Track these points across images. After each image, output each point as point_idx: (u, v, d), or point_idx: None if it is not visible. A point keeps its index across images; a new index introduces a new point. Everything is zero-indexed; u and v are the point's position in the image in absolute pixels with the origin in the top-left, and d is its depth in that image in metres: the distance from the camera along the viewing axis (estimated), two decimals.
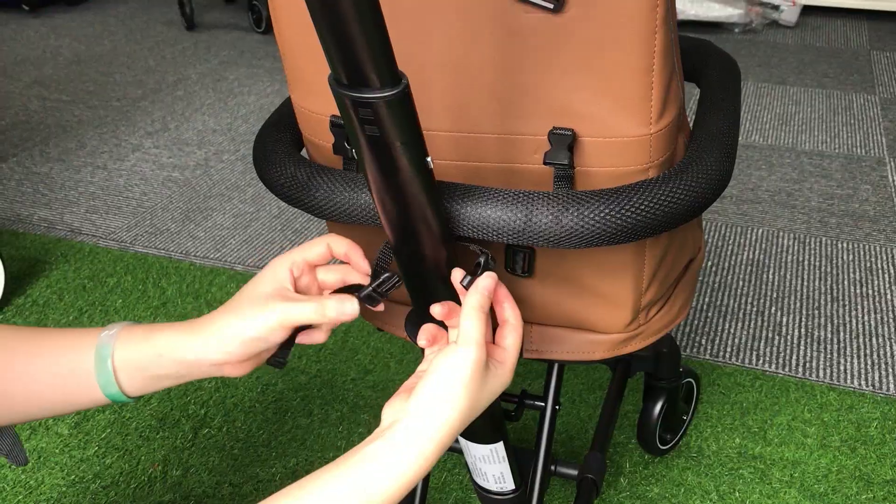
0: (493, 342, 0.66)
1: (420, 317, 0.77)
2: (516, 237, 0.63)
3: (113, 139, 2.50)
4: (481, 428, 0.88)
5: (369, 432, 1.39)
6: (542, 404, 0.96)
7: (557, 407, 0.96)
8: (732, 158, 0.68)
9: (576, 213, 0.62)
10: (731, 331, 1.60)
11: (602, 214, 0.61)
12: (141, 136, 2.51)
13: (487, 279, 0.64)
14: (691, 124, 0.76)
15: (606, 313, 0.79)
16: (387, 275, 0.68)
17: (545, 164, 0.66)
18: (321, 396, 1.48)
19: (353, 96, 0.51)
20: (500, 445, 0.90)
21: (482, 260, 0.65)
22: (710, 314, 1.64)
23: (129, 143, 2.47)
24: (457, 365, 0.60)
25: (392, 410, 0.62)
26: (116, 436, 1.41)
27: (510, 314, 0.66)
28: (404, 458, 0.58)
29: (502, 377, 0.64)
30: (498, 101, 0.65)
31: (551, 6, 0.58)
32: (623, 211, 0.61)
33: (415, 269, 0.66)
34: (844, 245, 1.86)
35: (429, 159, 0.57)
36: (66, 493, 1.31)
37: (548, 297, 0.79)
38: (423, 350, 0.70)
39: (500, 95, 0.65)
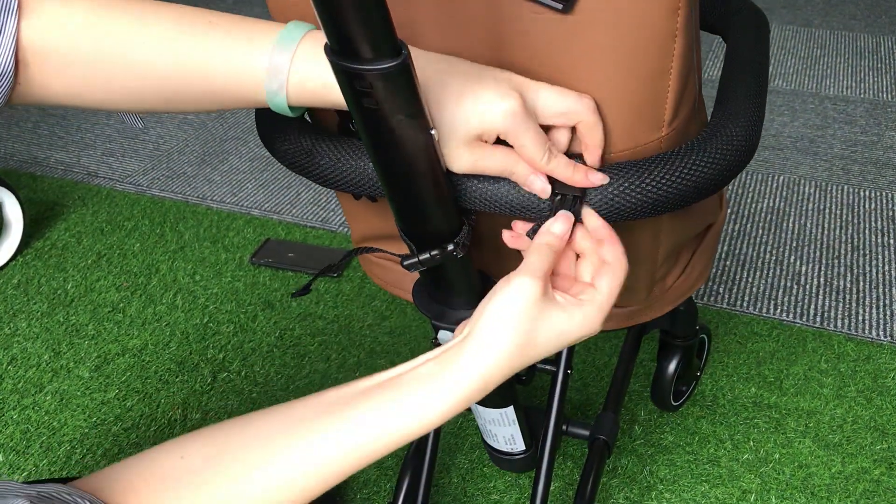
0: (588, 281, 0.61)
1: (428, 290, 0.76)
2: (528, 212, 0.61)
3: None
4: (491, 393, 0.88)
5: None
6: (553, 369, 0.94)
7: (569, 372, 0.94)
8: (759, 128, 0.64)
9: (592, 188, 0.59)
10: (750, 280, 1.59)
11: (620, 189, 0.58)
12: None
13: (561, 222, 0.59)
14: (719, 72, 0.73)
15: (621, 294, 0.77)
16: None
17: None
18: (338, 342, 1.49)
19: (350, 67, 0.48)
20: (510, 410, 0.90)
21: (560, 197, 0.60)
22: (728, 263, 1.63)
23: None
24: (510, 296, 0.56)
25: (459, 331, 0.60)
26: (136, 379, 1.43)
27: (610, 254, 0.60)
28: (448, 386, 0.57)
29: (578, 319, 0.58)
30: None
31: (560, 6, 0.54)
32: (642, 185, 0.58)
33: (422, 244, 0.64)
34: (867, 193, 1.83)
35: (433, 132, 0.55)
36: (88, 435, 1.33)
37: None
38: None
39: None
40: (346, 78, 0.49)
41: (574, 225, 0.60)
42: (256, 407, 1.35)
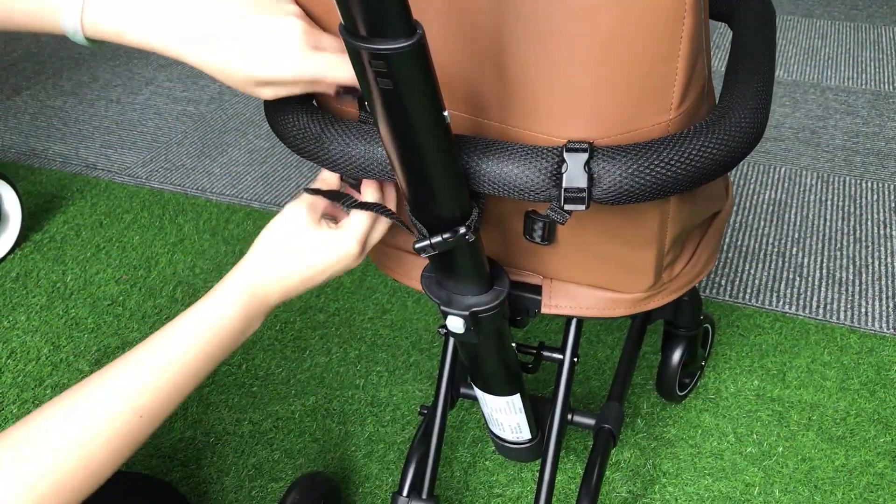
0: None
1: (436, 277, 0.76)
2: (537, 195, 0.60)
3: (126, 72, 2.47)
4: (499, 380, 0.87)
5: (387, 371, 1.40)
6: (560, 357, 0.94)
7: (575, 360, 0.94)
8: (767, 112, 0.64)
9: (604, 170, 0.59)
10: (752, 272, 1.58)
11: (629, 170, 0.58)
12: (154, 69, 2.48)
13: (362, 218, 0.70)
14: (722, 64, 0.72)
15: (629, 279, 0.77)
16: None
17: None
18: (339, 335, 1.48)
19: (365, 47, 0.48)
20: (516, 397, 0.90)
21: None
22: (730, 255, 1.62)
23: (142, 76, 2.44)
24: (279, 218, 0.69)
25: None
26: None
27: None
28: (223, 299, 0.68)
29: (335, 241, 0.69)
30: (505, 92, 0.61)
31: None
32: (651, 166, 0.57)
33: (433, 228, 0.64)
34: (869, 184, 1.83)
35: (446, 113, 0.54)
36: None
37: (567, 261, 0.77)
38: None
39: (507, 87, 0.60)
40: (359, 58, 0.49)
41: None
42: (257, 400, 1.36)
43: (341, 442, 1.30)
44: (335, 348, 1.46)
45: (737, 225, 1.71)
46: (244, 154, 2.04)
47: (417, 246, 0.64)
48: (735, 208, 1.76)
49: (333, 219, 0.72)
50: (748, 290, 1.54)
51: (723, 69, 2.24)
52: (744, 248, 1.64)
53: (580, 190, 0.58)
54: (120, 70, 2.48)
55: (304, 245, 0.68)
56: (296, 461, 1.27)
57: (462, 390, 1.08)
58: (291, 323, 1.51)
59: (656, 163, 0.58)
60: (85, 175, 1.97)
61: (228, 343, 0.68)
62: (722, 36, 2.47)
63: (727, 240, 1.66)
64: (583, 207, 0.59)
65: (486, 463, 1.25)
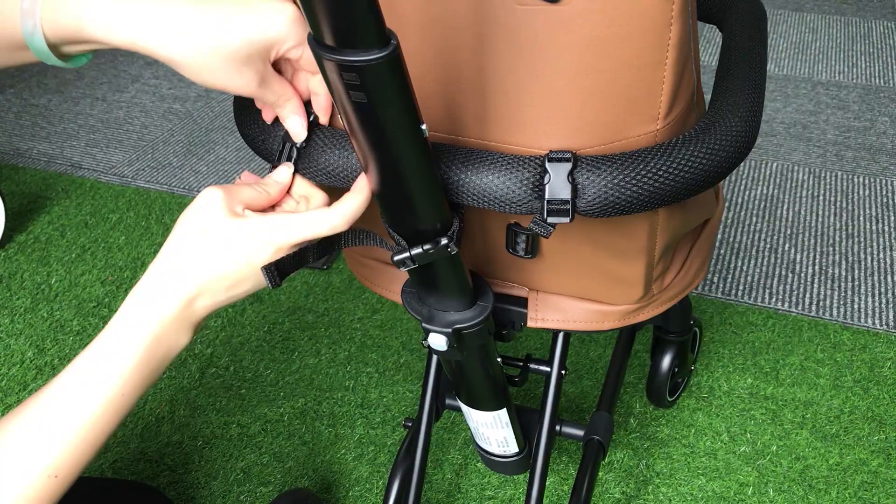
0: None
1: (417, 293, 0.73)
2: (519, 206, 0.58)
3: (111, 70, 2.44)
4: (485, 395, 0.85)
5: (377, 371, 1.38)
6: (548, 369, 0.90)
7: (563, 372, 0.90)
8: (758, 120, 0.62)
9: (588, 180, 0.57)
10: (744, 268, 1.57)
11: (615, 181, 0.56)
12: (140, 66, 2.45)
13: (282, 172, 0.63)
14: (712, 58, 0.70)
15: (618, 290, 0.75)
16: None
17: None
18: (329, 336, 1.46)
19: (337, 59, 0.45)
20: (503, 412, 0.87)
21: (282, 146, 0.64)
22: (722, 251, 1.61)
23: (127, 73, 2.42)
24: (192, 208, 0.61)
25: None
26: None
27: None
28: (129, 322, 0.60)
29: (249, 231, 0.59)
30: (484, 106, 0.59)
31: None
32: (638, 177, 0.55)
33: (412, 240, 0.62)
34: (861, 179, 1.82)
35: (423, 127, 0.52)
36: None
37: (553, 273, 0.75)
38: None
39: (487, 100, 0.58)
40: (334, 70, 0.46)
41: (294, 174, 0.64)
42: (245, 403, 1.34)
43: (331, 445, 1.28)
44: (324, 349, 1.44)
45: (728, 221, 1.70)
46: (231, 152, 2.02)
47: (396, 259, 0.61)
48: (727, 204, 1.75)
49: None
50: (740, 287, 1.53)
51: (714, 64, 2.23)
52: (735, 245, 1.63)
53: (563, 202, 0.56)
54: (105, 67, 2.45)
55: (228, 238, 0.59)
56: (285, 464, 1.25)
57: (448, 401, 1.04)
58: (280, 324, 1.49)
59: (643, 173, 0.55)
60: (70, 174, 1.95)
61: (151, 376, 0.61)
62: (713, 29, 2.46)
63: (719, 236, 1.65)
64: (567, 220, 0.56)
65: (478, 465, 1.23)
